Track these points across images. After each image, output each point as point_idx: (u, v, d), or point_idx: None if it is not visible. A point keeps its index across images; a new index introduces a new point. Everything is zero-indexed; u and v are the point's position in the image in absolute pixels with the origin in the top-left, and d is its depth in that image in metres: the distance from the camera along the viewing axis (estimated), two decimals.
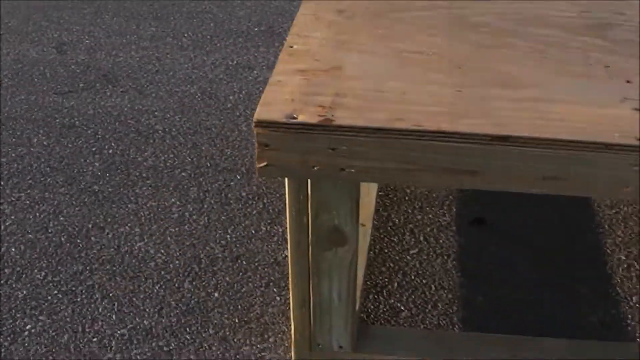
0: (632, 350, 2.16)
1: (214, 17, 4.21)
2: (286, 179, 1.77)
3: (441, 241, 2.55)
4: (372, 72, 1.81)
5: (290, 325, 2.11)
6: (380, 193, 2.74)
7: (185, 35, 3.98)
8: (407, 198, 2.73)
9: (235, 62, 3.69)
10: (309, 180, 1.75)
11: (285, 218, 2.00)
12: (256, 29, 4.05)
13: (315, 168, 1.66)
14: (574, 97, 1.74)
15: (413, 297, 2.32)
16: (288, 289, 2.15)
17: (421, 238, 2.55)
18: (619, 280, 2.43)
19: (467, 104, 1.69)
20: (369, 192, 2.59)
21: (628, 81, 1.82)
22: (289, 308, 2.12)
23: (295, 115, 1.63)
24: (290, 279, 1.95)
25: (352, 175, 1.66)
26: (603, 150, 1.60)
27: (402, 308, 2.29)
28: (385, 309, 2.27)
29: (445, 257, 2.48)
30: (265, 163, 1.67)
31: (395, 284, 2.37)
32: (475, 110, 1.67)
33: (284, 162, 1.66)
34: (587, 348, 2.16)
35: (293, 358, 2.13)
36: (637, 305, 2.34)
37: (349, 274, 1.92)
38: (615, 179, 1.64)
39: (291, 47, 1.92)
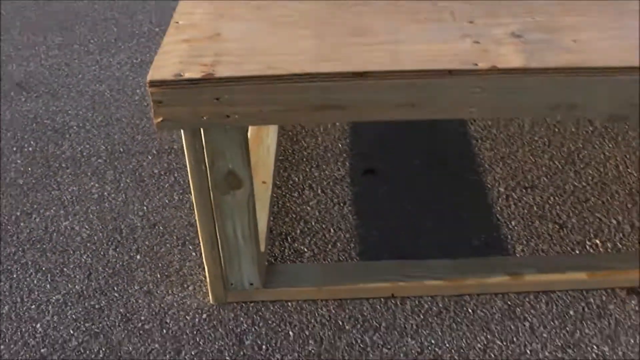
0: (510, 262, 2.47)
1: (116, 22, 4.46)
2: (182, 131, 2.04)
3: (337, 192, 2.84)
4: (247, 35, 2.10)
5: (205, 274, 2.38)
6: (280, 157, 3.03)
7: (91, 41, 4.22)
8: (304, 159, 3.02)
9: (139, 60, 3.96)
10: (202, 131, 2.03)
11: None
12: (157, 29, 4.32)
13: (205, 118, 1.95)
14: (422, 38, 2.05)
15: (314, 240, 2.61)
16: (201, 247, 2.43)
17: (319, 191, 2.85)
18: (499, 209, 2.75)
19: (329, 51, 1.99)
20: (268, 154, 2.87)
21: (470, 22, 2.14)
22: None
23: (182, 74, 1.91)
24: (197, 225, 2.22)
25: (237, 120, 1.95)
26: (447, 77, 1.91)
27: (305, 250, 2.57)
28: (290, 252, 2.56)
29: (342, 204, 2.78)
30: (161, 118, 1.95)
31: (298, 231, 2.65)
32: (335, 55, 1.97)
33: (177, 115, 1.95)
34: (470, 264, 2.47)
35: (211, 300, 2.39)
36: (516, 227, 2.66)
37: (249, 214, 2.20)
38: (460, 101, 1.95)
39: (177, 22, 2.20)
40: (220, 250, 2.26)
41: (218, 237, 2.23)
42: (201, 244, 2.24)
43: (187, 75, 1.89)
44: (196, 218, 2.19)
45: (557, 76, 1.91)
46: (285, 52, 1.99)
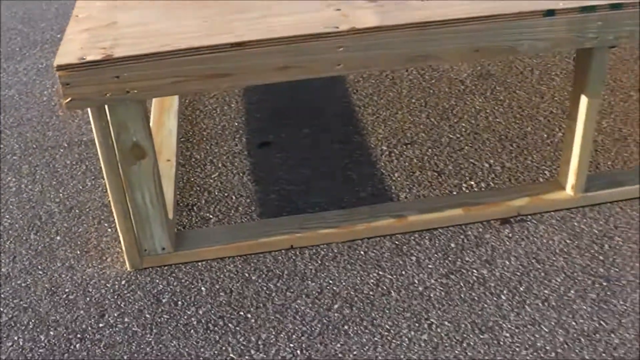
0: (395, 206, 2.76)
1: (19, 32, 4.68)
2: (89, 109, 2.30)
3: (236, 164, 3.12)
4: (140, 21, 2.36)
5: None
6: (182, 139, 3.30)
7: None
8: (204, 138, 3.30)
9: (44, 65, 4.19)
10: (107, 107, 2.29)
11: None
12: (58, 36, 4.55)
13: (108, 95, 2.21)
14: (292, 11, 2.33)
15: (219, 207, 2.89)
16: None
17: (220, 165, 3.12)
18: (383, 164, 3.05)
19: (213, 28, 2.26)
20: (170, 136, 3.14)
21: None
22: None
23: (85, 57, 2.17)
24: (110, 197, 2.47)
25: (136, 95, 2.22)
26: (313, 40, 2.20)
27: (211, 216, 2.85)
28: (197, 220, 2.83)
29: (241, 175, 3.06)
30: (70, 99, 2.20)
31: (203, 201, 2.92)
32: (218, 30, 2.25)
33: (83, 94, 2.20)
34: (359, 212, 2.75)
35: (128, 267, 2.64)
36: (399, 178, 2.97)
37: (155, 182, 2.45)
38: (327, 60, 2.24)
39: (77, 16, 2.45)
40: (132, 218, 2.49)
41: (129, 206, 2.47)
42: (114, 214, 2.48)
43: (90, 57, 2.15)
44: (108, 190, 2.43)
45: (408, 31, 2.23)
46: (174, 32, 2.26)
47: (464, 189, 2.86)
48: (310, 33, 2.19)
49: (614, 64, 3.65)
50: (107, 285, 2.57)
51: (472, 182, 2.89)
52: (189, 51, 2.15)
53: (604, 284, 2.42)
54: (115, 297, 2.54)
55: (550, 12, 2.26)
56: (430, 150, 3.08)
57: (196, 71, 2.19)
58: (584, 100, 2.51)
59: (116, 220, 2.51)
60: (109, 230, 2.78)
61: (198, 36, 2.20)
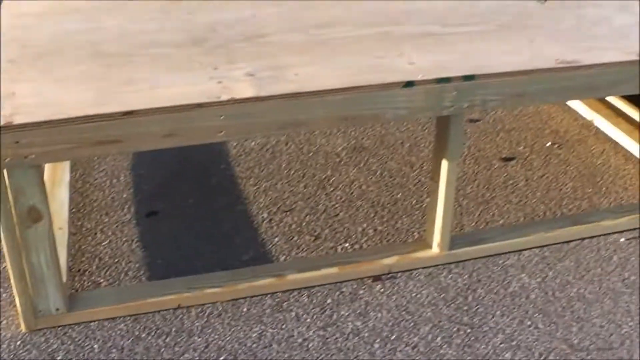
0: (275, 267, 2.98)
1: None
2: None
3: (125, 232, 3.30)
4: (37, 93, 2.52)
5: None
6: (73, 210, 3.47)
7: None
8: (94, 209, 3.47)
9: None
10: (5, 171, 2.44)
11: None
12: None
13: (7, 160, 2.38)
14: (178, 83, 2.55)
15: (109, 272, 3.05)
16: (11, 285, 2.77)
17: (109, 233, 3.30)
18: (264, 230, 3.27)
19: (104, 98, 2.46)
20: (62, 206, 3.31)
21: (215, 68, 2.67)
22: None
23: None
24: (7, 259, 2.60)
25: (35, 160, 2.38)
26: (197, 109, 2.42)
27: (102, 281, 3.01)
28: (89, 285, 2.98)
29: (130, 242, 3.23)
30: None
31: (94, 267, 3.09)
32: (109, 100, 2.45)
33: None
34: (241, 273, 2.95)
35: (23, 328, 2.76)
36: (279, 242, 3.18)
37: (50, 244, 2.60)
38: (210, 127, 2.46)
39: None
40: (27, 280, 2.64)
41: (25, 268, 2.62)
42: (10, 275, 2.62)
43: None
44: (5, 252, 2.56)
45: (282, 101, 2.48)
46: (69, 102, 2.44)
47: (339, 250, 3.08)
48: (193, 103, 2.40)
49: (478, 136, 3.94)
50: (3, 346, 2.69)
51: (347, 244, 3.12)
52: (83, 119, 2.34)
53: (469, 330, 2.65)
54: (11, 356, 2.65)
55: (410, 84, 2.54)
56: (307, 216, 3.31)
57: (89, 138, 2.38)
58: (444, 164, 2.78)
59: (12, 282, 2.63)
60: (4, 295, 2.91)
61: (91, 105, 2.39)
